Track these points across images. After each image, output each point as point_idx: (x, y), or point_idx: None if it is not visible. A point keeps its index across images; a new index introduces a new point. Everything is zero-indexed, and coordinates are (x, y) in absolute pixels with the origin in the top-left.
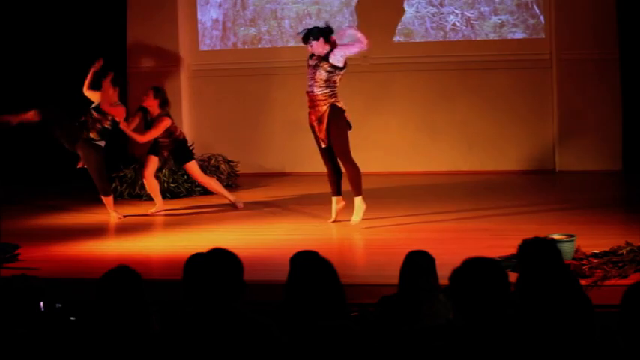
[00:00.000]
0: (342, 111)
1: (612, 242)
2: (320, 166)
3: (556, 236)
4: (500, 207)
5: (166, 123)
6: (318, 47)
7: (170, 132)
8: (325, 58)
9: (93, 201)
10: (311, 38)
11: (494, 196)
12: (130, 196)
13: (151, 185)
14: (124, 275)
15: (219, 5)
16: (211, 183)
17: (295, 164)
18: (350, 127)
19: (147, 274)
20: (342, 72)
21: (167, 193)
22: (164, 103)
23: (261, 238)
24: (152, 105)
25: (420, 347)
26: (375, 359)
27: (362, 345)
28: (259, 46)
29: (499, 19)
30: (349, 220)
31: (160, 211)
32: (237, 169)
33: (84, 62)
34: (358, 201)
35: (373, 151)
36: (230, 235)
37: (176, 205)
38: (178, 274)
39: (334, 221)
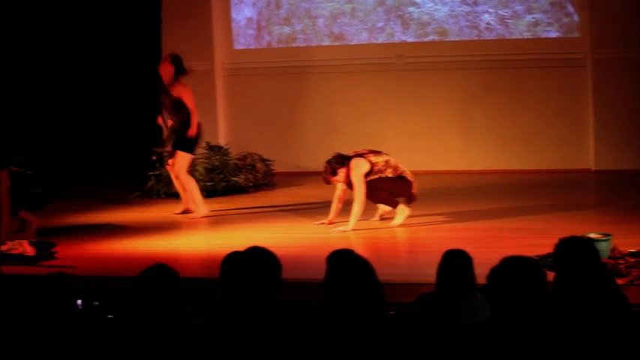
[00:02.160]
0: None
1: None
2: None
3: (592, 235)
4: (536, 206)
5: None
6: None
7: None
8: None
9: (127, 198)
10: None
11: (530, 196)
12: (167, 194)
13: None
14: (162, 274)
15: (254, 4)
16: (190, 184)
17: None
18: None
19: (184, 272)
20: None
21: (203, 192)
22: (179, 72)
23: (298, 237)
24: (167, 72)
25: (457, 346)
26: (412, 358)
27: (399, 343)
28: (293, 45)
29: (533, 18)
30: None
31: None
32: (272, 167)
33: (119, 62)
34: (400, 207)
35: (407, 150)
36: (266, 233)
37: (212, 203)
38: (215, 273)
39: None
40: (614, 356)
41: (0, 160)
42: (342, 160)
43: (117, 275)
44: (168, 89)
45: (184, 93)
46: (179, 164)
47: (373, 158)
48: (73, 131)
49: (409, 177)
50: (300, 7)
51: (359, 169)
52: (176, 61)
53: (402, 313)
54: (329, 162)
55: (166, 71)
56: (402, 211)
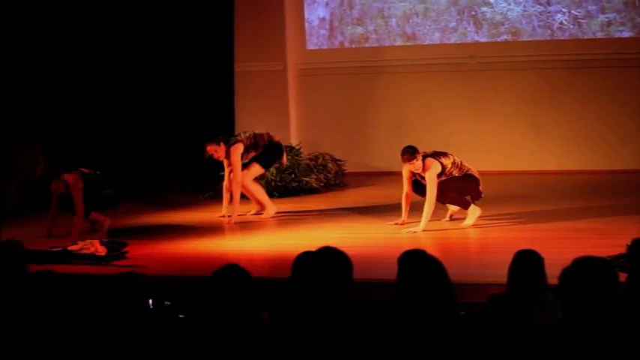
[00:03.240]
0: None
1: None
2: None
3: None
4: (607, 207)
5: (237, 149)
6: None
7: (254, 146)
8: None
9: (197, 199)
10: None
11: (601, 196)
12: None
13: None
14: (234, 274)
15: (327, 4)
16: (255, 189)
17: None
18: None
19: (254, 272)
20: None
21: (274, 192)
22: (219, 141)
23: (368, 237)
24: (221, 154)
25: (528, 347)
26: (483, 358)
27: (470, 344)
28: (366, 45)
29: (606, 18)
30: (447, 218)
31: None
32: (344, 167)
33: (191, 62)
34: (471, 208)
35: (478, 150)
36: (337, 233)
37: (284, 203)
38: (286, 273)
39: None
40: None
41: (69, 163)
42: (414, 152)
43: (188, 275)
44: (229, 158)
45: (235, 151)
46: (251, 174)
47: (444, 160)
48: (145, 131)
49: (475, 174)
50: (372, 7)
51: (435, 169)
52: (213, 141)
53: (472, 313)
54: (404, 151)
55: (219, 154)
56: (474, 212)
